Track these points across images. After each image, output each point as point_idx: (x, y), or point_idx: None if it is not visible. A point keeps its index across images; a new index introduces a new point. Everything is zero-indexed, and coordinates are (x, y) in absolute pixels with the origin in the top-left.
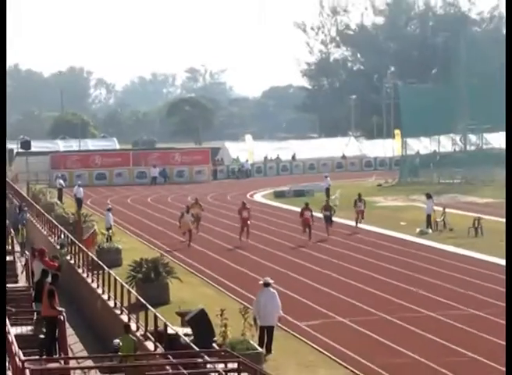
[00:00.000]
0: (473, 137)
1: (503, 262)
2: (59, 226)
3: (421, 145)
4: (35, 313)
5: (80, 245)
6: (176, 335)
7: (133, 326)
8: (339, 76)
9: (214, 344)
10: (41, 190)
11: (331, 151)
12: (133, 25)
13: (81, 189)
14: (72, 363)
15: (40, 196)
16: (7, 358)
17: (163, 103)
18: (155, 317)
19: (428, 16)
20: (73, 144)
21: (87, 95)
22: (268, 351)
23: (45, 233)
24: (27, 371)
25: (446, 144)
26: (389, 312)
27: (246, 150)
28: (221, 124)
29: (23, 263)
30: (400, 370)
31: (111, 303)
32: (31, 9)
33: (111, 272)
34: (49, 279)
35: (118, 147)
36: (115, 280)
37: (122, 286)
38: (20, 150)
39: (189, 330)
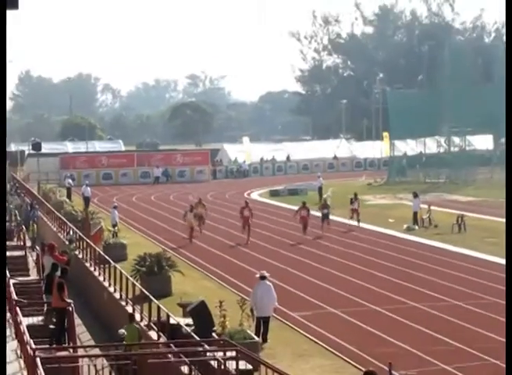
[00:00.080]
0: (456, 140)
1: (485, 256)
2: (68, 222)
3: (408, 147)
4: (45, 305)
5: (88, 241)
6: (178, 325)
7: (138, 317)
8: (331, 82)
9: (213, 334)
10: (51, 189)
11: (323, 153)
12: (137, 34)
13: (89, 188)
14: (81, 352)
15: (50, 195)
16: (19, 347)
17: (165, 107)
18: (158, 308)
19: (414, 25)
20: (81, 146)
21: (94, 100)
22: (265, 340)
23: (55, 229)
24: (38, 359)
25: (431, 145)
26: (379, 303)
27: (243, 151)
28: (220, 127)
29: (34, 258)
30: (389, 359)
31: (117, 295)
32: (43, 20)
33: (117, 266)
34: (59, 272)
35: (123, 148)
36: (121, 273)
37: (127, 279)
38: (32, 151)
39: (190, 321)
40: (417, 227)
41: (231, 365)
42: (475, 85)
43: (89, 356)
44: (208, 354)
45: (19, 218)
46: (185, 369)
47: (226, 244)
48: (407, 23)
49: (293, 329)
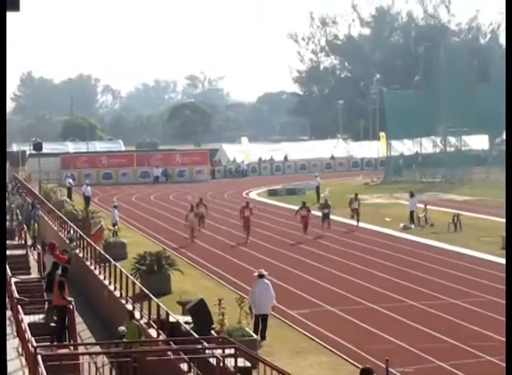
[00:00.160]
0: (452, 140)
1: (480, 255)
2: (69, 222)
3: (405, 147)
4: (46, 303)
5: (88, 240)
6: (177, 323)
7: (138, 315)
8: (329, 82)
9: (212, 332)
10: (52, 188)
11: (321, 153)
12: (137, 36)
13: (89, 188)
14: (81, 349)
15: (51, 194)
16: (20, 345)
17: (165, 108)
18: (158, 306)
19: (410, 27)
20: (82, 146)
21: (94, 101)
22: (263, 338)
23: (56, 228)
24: (39, 356)
25: (427, 145)
26: (376, 302)
27: (242, 151)
28: (219, 127)
29: (36, 256)
30: (386, 356)
31: (117, 293)
32: (44, 21)
33: (117, 264)
34: (59, 271)
35: (123, 148)
36: (121, 272)
37: (127, 277)
38: (33, 152)
39: (189, 319)
40: (413, 226)
41: (230, 362)
42: (471, 86)
43: (89, 354)
44: (206, 351)
45: (20, 217)
46: (184, 366)
47: (225, 243)
48: (404, 25)
49: (291, 327)
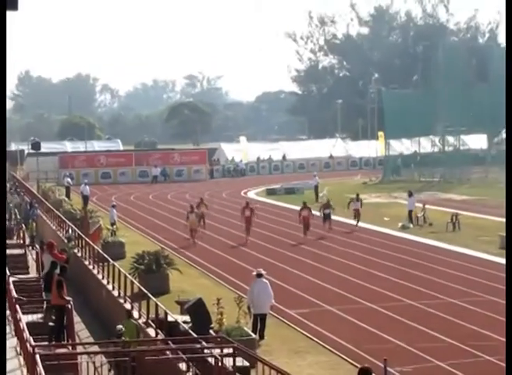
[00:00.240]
0: (451, 139)
1: (479, 254)
2: (67, 221)
3: (403, 146)
4: (45, 302)
5: (87, 239)
6: (176, 322)
7: (136, 314)
8: (327, 82)
9: (211, 331)
10: (50, 188)
11: (319, 152)
12: (135, 35)
13: (87, 187)
14: (80, 349)
15: (49, 193)
16: (19, 344)
17: (164, 107)
18: (156, 306)
19: (409, 26)
20: (80, 146)
21: (93, 100)
22: (261, 337)
23: (54, 227)
24: (37, 356)
25: (425, 145)
26: (375, 301)
27: (240, 151)
28: (217, 127)
29: (34, 256)
30: (385, 355)
31: (115, 293)
32: (42, 21)
33: (115, 264)
34: (58, 270)
35: (121, 148)
36: (119, 271)
37: (125, 277)
38: (31, 151)
39: (187, 318)
40: (412, 226)
41: (228, 361)
42: (469, 85)
43: (88, 353)
44: (205, 351)
45: (18, 216)
46: (183, 365)
47: (223, 242)
48: (402, 24)
49: (289, 326)
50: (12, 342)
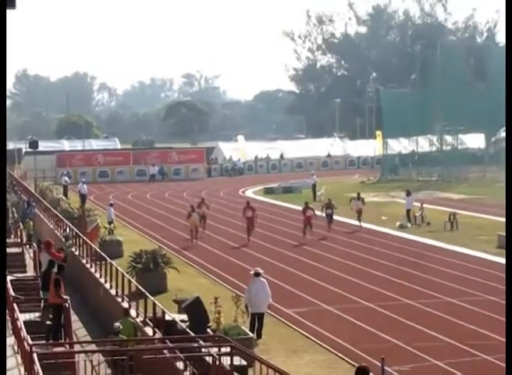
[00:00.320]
0: (449, 138)
1: (477, 253)
2: (65, 220)
3: (401, 145)
4: (42, 301)
5: (84, 238)
6: (173, 321)
7: (133, 313)
8: (325, 81)
9: (208, 330)
10: (48, 186)
11: (317, 151)
12: (133, 34)
13: (85, 186)
14: (77, 347)
15: (47, 192)
16: (16, 343)
17: (161, 106)
18: (154, 304)
19: (407, 25)
20: (78, 144)
21: (90, 98)
22: (259, 336)
23: (52, 226)
24: (35, 355)
25: (423, 144)
26: (372, 300)
27: (238, 150)
28: (215, 126)
29: (31, 255)
30: (382, 355)
31: (112, 291)
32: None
33: (113, 262)
34: (55, 269)
35: (119, 146)
36: (117, 270)
37: (123, 275)
38: (29, 149)
39: (185, 317)
40: (409, 225)
41: (225, 360)
42: (467, 84)
43: (85, 352)
44: (202, 350)
45: (16, 215)
46: (180, 364)
47: (222, 241)
48: (400, 23)
49: (287, 325)
50: (9, 341)
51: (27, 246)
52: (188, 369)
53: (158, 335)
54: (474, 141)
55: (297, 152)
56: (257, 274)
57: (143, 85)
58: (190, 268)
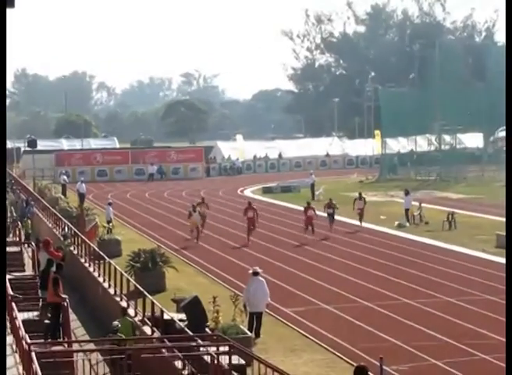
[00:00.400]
0: (447, 138)
1: (475, 253)
2: (63, 219)
3: (400, 145)
4: (41, 300)
5: (83, 237)
6: (172, 320)
7: (132, 312)
8: (324, 80)
9: (206, 329)
10: (47, 185)
11: (316, 150)
12: (132, 33)
13: (84, 185)
14: (75, 346)
15: (45, 191)
16: (14, 342)
17: (160, 105)
18: (152, 304)
19: (405, 25)
20: (76, 143)
21: (89, 98)
22: (257, 335)
23: (50, 225)
24: (33, 354)
25: (422, 143)
26: (371, 300)
27: (237, 149)
28: (213, 125)
29: (30, 253)
30: (381, 354)
31: (111, 290)
32: (39, 18)
33: (111, 262)
34: (54, 268)
35: (118, 146)
36: (115, 269)
37: (121, 275)
38: (27, 148)
39: (183, 316)
40: (408, 224)
41: (224, 359)
42: (466, 84)
43: (84, 351)
44: (201, 349)
45: (14, 214)
46: (178, 363)
47: (220, 240)
48: (399, 23)
49: (285, 324)
50: (8, 340)
51: (26, 245)
52: (186, 368)
53: (157, 334)
54: (473, 140)
55: (296, 152)
56: (255, 273)
57: (141, 84)
58: (189, 267)
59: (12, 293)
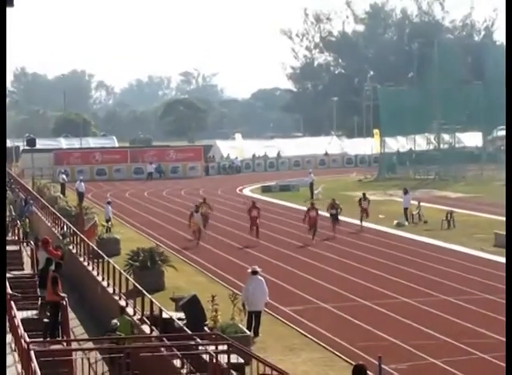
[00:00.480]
0: (446, 137)
1: (474, 252)
2: (62, 218)
3: (398, 144)
4: (39, 299)
5: (82, 236)
6: (170, 319)
7: (131, 311)
8: (323, 79)
9: (205, 328)
10: (46, 184)
11: (314, 149)
12: (131, 32)
13: (82, 184)
14: (74, 345)
15: (44, 190)
16: (13, 340)
17: (159, 104)
18: (151, 302)
19: (404, 23)
20: (75, 142)
21: (88, 96)
22: (256, 334)
23: (49, 224)
24: (32, 352)
25: (421, 142)
26: (369, 298)
27: (236, 148)
28: (212, 124)
29: (29, 252)
30: (379, 353)
31: (110, 289)
32: (38, 17)
33: (110, 260)
34: (53, 267)
35: (117, 144)
36: (114, 268)
37: (120, 273)
38: (26, 147)
39: (182, 315)
40: (407, 223)
41: (223, 358)
42: (465, 83)
43: (82, 349)
44: (199, 347)
45: (13, 213)
46: (177, 362)
47: (220, 239)
48: (398, 22)
49: (284, 323)
50: (7, 338)
51: (24, 244)
52: (185, 366)
53: (156, 333)
54: (472, 139)
55: (295, 150)
56: (254, 272)
57: (140, 83)
58: (188, 266)
59: (11, 292)
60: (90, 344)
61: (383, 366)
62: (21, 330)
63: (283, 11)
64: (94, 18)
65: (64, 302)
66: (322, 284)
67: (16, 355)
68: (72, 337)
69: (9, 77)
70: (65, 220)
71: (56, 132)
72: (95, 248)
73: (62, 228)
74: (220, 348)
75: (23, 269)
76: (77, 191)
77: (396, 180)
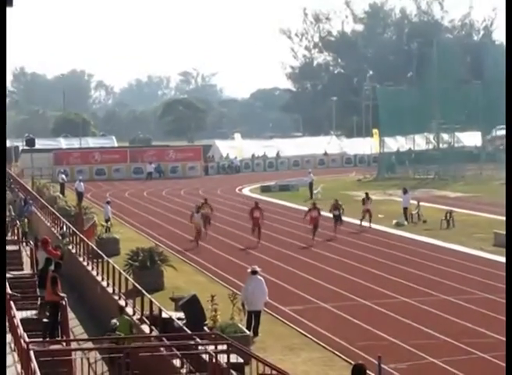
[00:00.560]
0: (445, 136)
1: (473, 251)
2: (62, 217)
3: (398, 143)
4: (39, 298)
5: (81, 236)
6: (170, 319)
7: (130, 311)
8: (322, 79)
9: (205, 328)
10: (45, 184)
11: (314, 149)
12: (130, 31)
13: (82, 183)
14: (74, 345)
15: (44, 190)
16: (13, 340)
17: (158, 104)
18: (150, 302)
19: (403, 23)
20: (75, 142)
21: (87, 96)
22: (255, 334)
23: (49, 224)
24: (31, 352)
25: (420, 142)
26: (369, 298)
27: (235, 148)
28: (212, 124)
29: (28, 252)
30: (379, 352)
31: (109, 289)
32: (37, 17)
33: (109, 260)
34: (52, 267)
35: (116, 144)
36: (114, 267)
37: (119, 273)
38: (25, 147)
39: (182, 315)
40: (406, 223)
41: (222, 358)
42: (464, 82)
43: (82, 349)
44: (199, 347)
45: (13, 213)
46: (177, 362)
47: (219, 239)
48: (397, 21)
49: (284, 323)
50: (6, 338)
51: (24, 244)
52: (185, 366)
53: (155, 333)
54: (471, 138)
55: (294, 150)
56: (254, 272)
57: (140, 83)
58: (187, 266)
59: (10, 292)
60: (89, 344)
61: (383, 365)
62: (21, 330)
63: (283, 11)
64: (94, 18)
65: (63, 302)
66: (322, 284)
67: (15, 354)
68: (71, 337)
69: (9, 77)
70: (64, 220)
71: (56, 132)
72: (95, 247)
73: (62, 228)
74: (220, 347)
75: (22, 269)
76: (77, 191)
77: (395, 179)
